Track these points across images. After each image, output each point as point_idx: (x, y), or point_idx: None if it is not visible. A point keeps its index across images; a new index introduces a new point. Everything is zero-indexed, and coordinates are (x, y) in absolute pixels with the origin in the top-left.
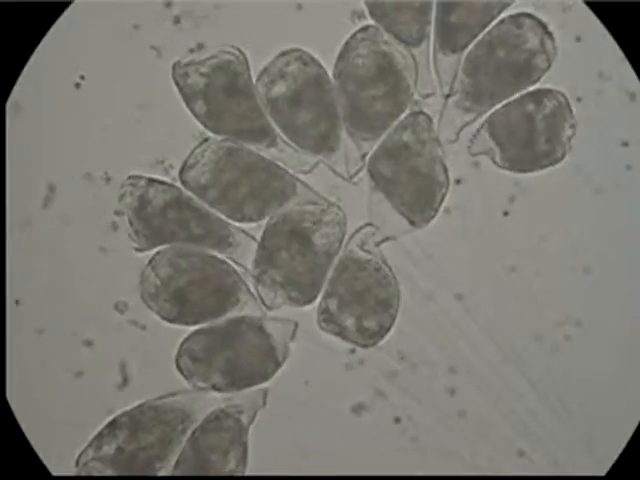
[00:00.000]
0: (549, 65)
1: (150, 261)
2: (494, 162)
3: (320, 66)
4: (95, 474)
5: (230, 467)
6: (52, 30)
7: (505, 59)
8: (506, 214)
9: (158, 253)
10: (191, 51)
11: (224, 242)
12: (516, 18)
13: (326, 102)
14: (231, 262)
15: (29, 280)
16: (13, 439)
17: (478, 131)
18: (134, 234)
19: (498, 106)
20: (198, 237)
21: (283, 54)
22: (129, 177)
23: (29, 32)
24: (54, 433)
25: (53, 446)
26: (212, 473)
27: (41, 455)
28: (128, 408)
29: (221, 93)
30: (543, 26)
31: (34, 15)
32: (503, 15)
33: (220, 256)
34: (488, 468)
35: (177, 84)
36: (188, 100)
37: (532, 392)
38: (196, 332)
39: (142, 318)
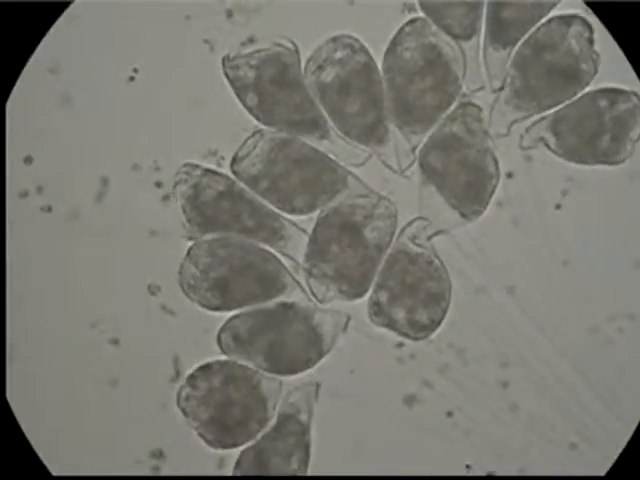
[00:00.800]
0: (596, 69)
1: (188, 252)
2: (548, 148)
3: (369, 55)
4: (190, 411)
5: (293, 468)
6: (52, 30)
7: (552, 62)
8: (558, 207)
9: (195, 244)
10: (243, 44)
11: (276, 235)
12: (565, 19)
13: (374, 92)
14: (282, 255)
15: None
16: (13, 439)
17: (534, 124)
18: (186, 222)
19: (554, 109)
20: (250, 229)
21: (332, 40)
22: (184, 165)
23: (29, 32)
24: (54, 433)
25: (53, 446)
26: (273, 475)
27: (41, 455)
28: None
29: (271, 85)
30: (589, 30)
31: (34, 15)
32: (552, 14)
33: (270, 249)
34: (540, 461)
35: (227, 77)
36: (239, 93)
37: (585, 386)
38: (244, 313)
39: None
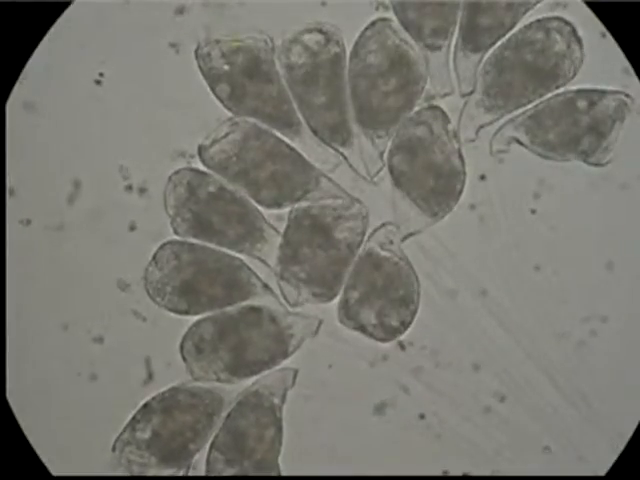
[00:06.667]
0: (575, 72)
1: (153, 257)
2: (521, 144)
3: (342, 48)
4: (133, 458)
5: (265, 448)
6: (52, 30)
7: (532, 63)
8: (534, 212)
9: (161, 247)
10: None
11: (258, 234)
12: (544, 22)
13: (340, 88)
14: (255, 260)
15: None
16: (13, 439)
17: (502, 126)
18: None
19: (524, 108)
20: (239, 235)
21: (305, 26)
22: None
23: (29, 32)
24: (54, 433)
25: (53, 446)
26: (247, 455)
27: (41, 455)
28: (160, 391)
29: (243, 75)
30: (572, 30)
31: (34, 15)
32: (531, 18)
33: (240, 255)
34: (512, 464)
35: (200, 69)
36: (212, 84)
37: (557, 388)
38: (207, 319)
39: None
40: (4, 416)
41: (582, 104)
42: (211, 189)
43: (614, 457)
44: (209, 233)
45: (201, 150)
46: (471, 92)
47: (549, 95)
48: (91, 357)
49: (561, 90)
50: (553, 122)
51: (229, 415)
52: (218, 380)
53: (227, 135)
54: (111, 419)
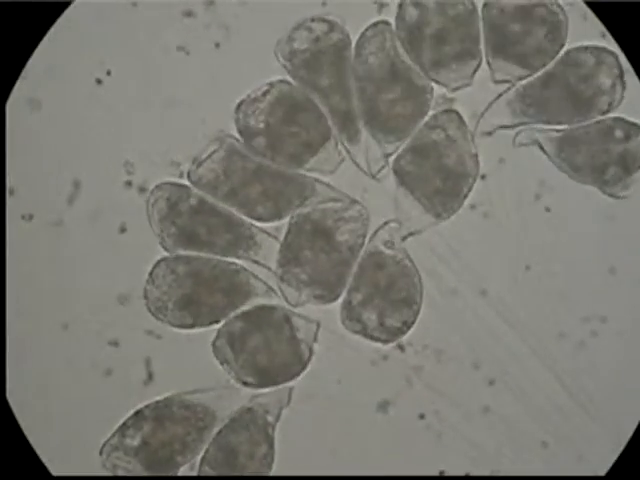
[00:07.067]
0: (609, 109)
1: (149, 275)
2: (542, 150)
3: (346, 35)
4: (119, 463)
5: (256, 466)
6: (52, 30)
7: (574, 86)
8: (548, 210)
9: (156, 265)
10: (217, 45)
11: (251, 241)
12: (598, 52)
13: (345, 77)
14: (252, 263)
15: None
16: (13, 439)
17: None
18: (166, 237)
19: (555, 127)
20: (229, 242)
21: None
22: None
23: (29, 32)
24: (54, 433)
25: (53, 446)
26: (238, 471)
27: (41, 455)
28: (154, 400)
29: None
30: (620, 70)
31: (34, 15)
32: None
33: (236, 260)
34: (512, 464)
35: (237, 124)
36: (246, 139)
37: (558, 387)
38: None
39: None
40: (4, 416)
41: (619, 134)
42: (192, 202)
43: (614, 457)
44: (198, 244)
45: (190, 172)
46: (508, 81)
47: (585, 123)
48: (91, 357)
49: (596, 119)
50: (587, 145)
51: (220, 431)
52: (244, 384)
53: (212, 154)
54: (111, 419)
